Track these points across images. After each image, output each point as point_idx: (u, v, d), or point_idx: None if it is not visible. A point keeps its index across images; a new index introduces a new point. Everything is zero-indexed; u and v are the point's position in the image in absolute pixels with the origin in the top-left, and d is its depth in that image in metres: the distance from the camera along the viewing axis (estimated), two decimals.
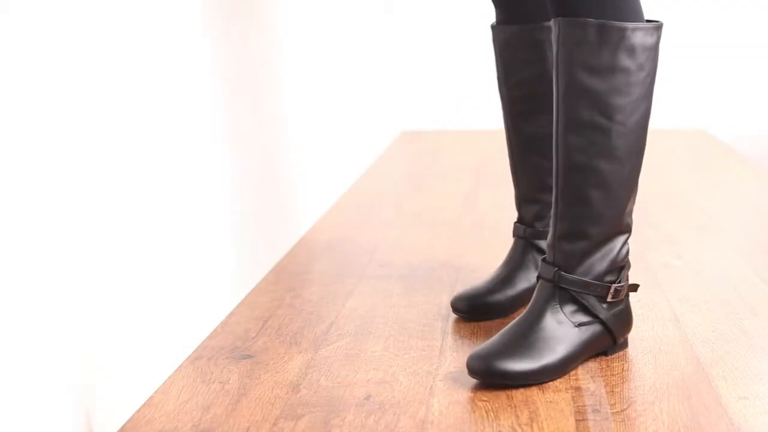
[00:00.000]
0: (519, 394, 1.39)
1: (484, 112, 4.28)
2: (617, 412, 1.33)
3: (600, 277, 1.48)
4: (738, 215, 2.54)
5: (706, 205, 2.67)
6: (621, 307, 1.51)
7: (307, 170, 2.48)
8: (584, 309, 1.47)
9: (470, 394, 1.39)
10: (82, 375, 1.21)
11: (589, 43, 1.38)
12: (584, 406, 1.35)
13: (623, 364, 1.49)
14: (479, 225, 2.47)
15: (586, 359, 1.50)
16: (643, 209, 2.58)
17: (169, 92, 1.52)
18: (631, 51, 1.39)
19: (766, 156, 4.38)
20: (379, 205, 2.77)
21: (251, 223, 1.96)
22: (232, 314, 1.77)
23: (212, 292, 1.70)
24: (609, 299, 1.48)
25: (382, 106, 3.94)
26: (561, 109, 1.42)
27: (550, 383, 1.42)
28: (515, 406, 1.35)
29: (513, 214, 2.60)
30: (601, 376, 1.45)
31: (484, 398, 1.38)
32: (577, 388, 1.41)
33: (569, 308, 1.46)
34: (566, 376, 1.44)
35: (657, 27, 1.41)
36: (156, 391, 1.43)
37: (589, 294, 1.47)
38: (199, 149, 1.65)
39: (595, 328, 1.48)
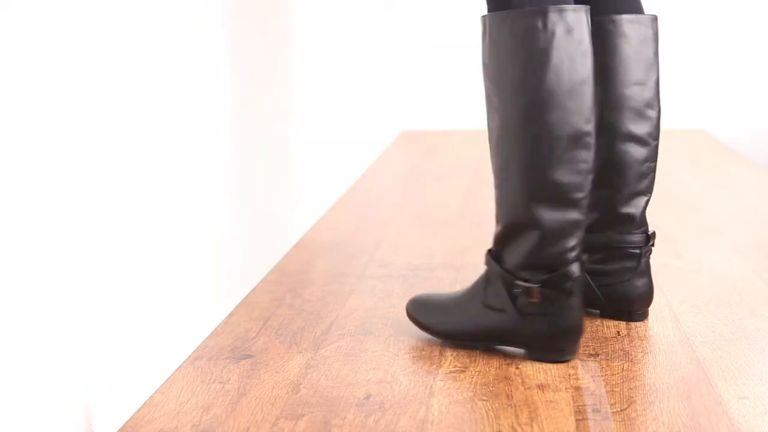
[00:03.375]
0: (519, 394, 1.39)
1: (484, 112, 4.28)
2: (617, 412, 1.33)
3: (511, 269, 1.49)
4: (738, 215, 2.54)
5: (706, 205, 2.67)
6: (542, 314, 1.48)
7: (307, 170, 2.48)
8: (497, 294, 1.51)
9: (470, 394, 1.39)
10: (82, 375, 1.21)
11: (483, 39, 1.51)
12: (584, 406, 1.35)
13: (623, 364, 1.49)
14: (479, 225, 2.47)
15: (493, 343, 1.53)
16: None
17: (167, 94, 1.52)
18: (497, 40, 1.47)
19: (766, 156, 4.38)
20: (379, 205, 2.77)
21: (251, 223, 1.96)
22: (232, 314, 1.77)
23: (212, 292, 1.70)
24: (513, 293, 1.49)
25: (382, 106, 3.94)
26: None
27: (550, 383, 1.42)
28: (515, 406, 1.35)
29: None
30: (601, 376, 1.45)
31: (484, 398, 1.38)
32: (577, 388, 1.41)
33: (488, 289, 1.52)
34: (566, 376, 1.44)
35: (516, 13, 1.44)
36: (156, 391, 1.43)
37: (498, 282, 1.50)
38: (198, 150, 1.65)
39: (500, 316, 1.51)
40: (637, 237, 1.66)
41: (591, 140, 1.44)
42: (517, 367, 1.49)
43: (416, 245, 2.27)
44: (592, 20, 1.60)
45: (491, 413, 1.33)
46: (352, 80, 3.24)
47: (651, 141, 1.65)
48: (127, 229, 1.36)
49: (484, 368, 1.49)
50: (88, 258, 1.24)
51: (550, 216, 1.45)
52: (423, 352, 1.56)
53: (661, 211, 2.59)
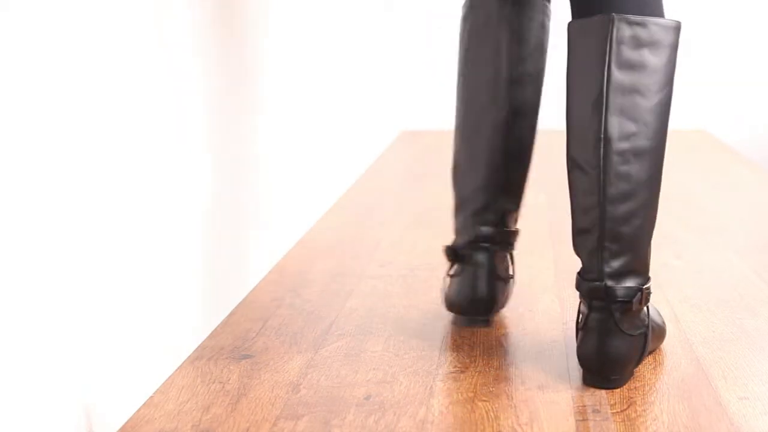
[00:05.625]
0: (519, 394, 1.39)
1: None
2: (617, 412, 1.33)
3: None
4: (738, 215, 2.54)
5: (706, 205, 2.67)
6: (451, 277, 1.72)
7: (307, 170, 2.48)
8: None
9: (470, 394, 1.39)
10: (82, 375, 1.21)
11: None
12: (584, 406, 1.35)
13: None
14: None
15: None
16: None
17: (165, 92, 1.52)
18: None
19: (766, 156, 4.38)
20: (379, 205, 2.77)
21: (252, 223, 1.96)
22: (232, 314, 1.78)
23: (212, 291, 1.70)
24: None
25: (382, 106, 3.94)
26: None
27: (550, 383, 1.42)
28: (515, 406, 1.35)
29: None
30: None
31: (484, 398, 1.38)
32: (577, 388, 1.41)
33: None
34: (566, 377, 1.45)
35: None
36: (156, 391, 1.43)
37: None
38: (198, 150, 1.65)
39: None
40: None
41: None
42: (517, 368, 1.49)
43: (416, 245, 2.27)
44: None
45: (491, 413, 1.33)
46: (352, 80, 3.24)
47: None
48: (126, 229, 1.36)
49: (484, 369, 1.49)
50: (87, 258, 1.24)
51: (455, 184, 1.69)
52: (423, 352, 1.56)
53: (661, 210, 2.59)
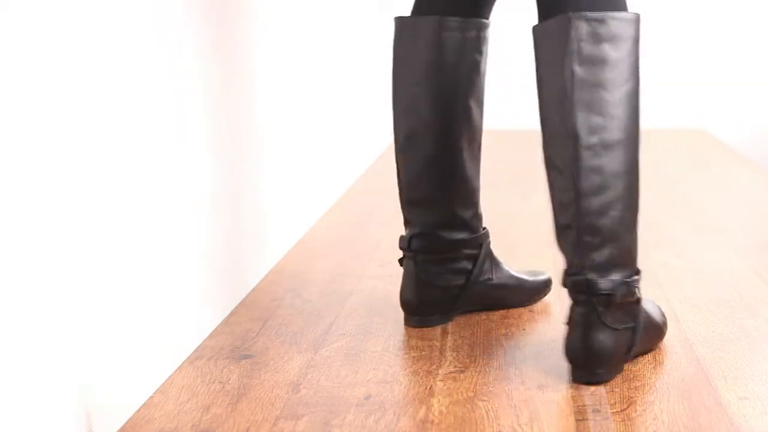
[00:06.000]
0: (519, 394, 1.39)
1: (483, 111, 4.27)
2: (617, 412, 1.33)
3: None
4: (738, 215, 2.54)
5: (706, 205, 2.67)
6: None
7: (307, 170, 2.48)
8: None
9: (470, 394, 1.39)
10: (82, 375, 1.21)
11: None
12: (584, 406, 1.35)
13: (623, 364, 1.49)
14: None
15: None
16: (643, 209, 2.58)
17: (165, 92, 1.52)
18: None
19: (766, 156, 4.38)
20: (379, 205, 2.77)
21: (251, 223, 1.96)
22: (232, 314, 1.77)
23: (212, 292, 1.70)
24: None
25: (382, 106, 3.94)
26: None
27: (550, 383, 1.42)
28: (515, 406, 1.35)
29: (510, 214, 2.60)
30: None
31: (484, 398, 1.38)
32: (577, 388, 1.41)
33: None
34: (567, 377, 1.45)
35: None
36: (156, 391, 1.43)
37: None
38: (198, 150, 1.65)
39: None
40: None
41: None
42: (517, 368, 1.49)
43: None
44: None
45: (491, 413, 1.33)
46: (353, 80, 3.24)
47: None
48: (126, 229, 1.36)
49: (484, 368, 1.49)
50: (87, 259, 1.24)
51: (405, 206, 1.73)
52: (423, 352, 1.56)
53: (661, 211, 2.59)
